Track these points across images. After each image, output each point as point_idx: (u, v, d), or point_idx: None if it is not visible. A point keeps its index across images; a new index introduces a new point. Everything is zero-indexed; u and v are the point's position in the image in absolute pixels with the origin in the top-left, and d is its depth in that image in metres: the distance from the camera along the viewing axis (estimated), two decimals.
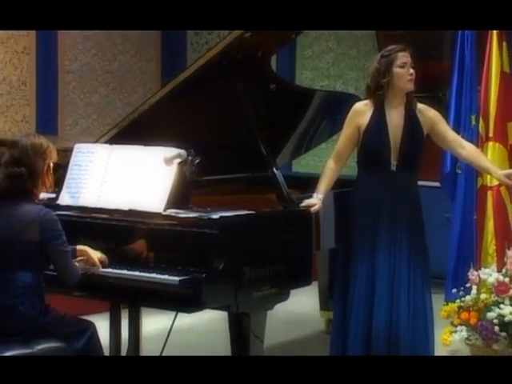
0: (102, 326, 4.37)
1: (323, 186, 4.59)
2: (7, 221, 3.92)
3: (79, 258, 4.12)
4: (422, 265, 4.64)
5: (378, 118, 4.56)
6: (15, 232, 3.89)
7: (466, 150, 4.79)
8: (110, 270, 4.16)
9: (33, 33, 8.55)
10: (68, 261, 3.97)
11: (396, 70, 4.52)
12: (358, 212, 4.62)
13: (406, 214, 4.60)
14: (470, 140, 6.14)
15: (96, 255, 4.15)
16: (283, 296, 4.39)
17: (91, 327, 4.13)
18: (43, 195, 4.56)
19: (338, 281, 4.69)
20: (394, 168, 4.57)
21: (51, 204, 4.47)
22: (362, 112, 4.60)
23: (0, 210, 3.96)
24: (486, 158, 5.10)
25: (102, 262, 4.16)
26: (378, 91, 4.56)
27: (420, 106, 4.66)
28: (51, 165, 4.04)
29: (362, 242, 4.57)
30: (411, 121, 4.59)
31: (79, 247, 4.15)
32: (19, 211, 3.92)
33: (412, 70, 4.55)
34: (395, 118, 4.57)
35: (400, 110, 4.59)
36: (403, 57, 4.55)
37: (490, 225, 6.17)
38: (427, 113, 4.67)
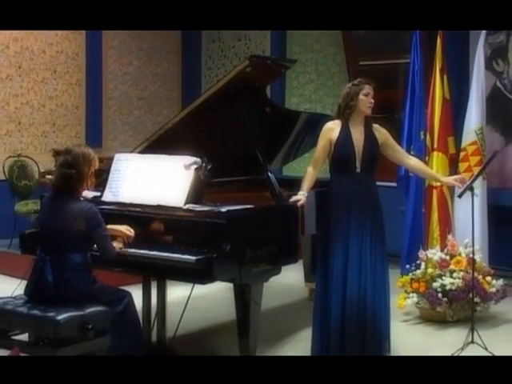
0: (136, 294, 4.33)
1: (306, 186, 4.58)
2: (60, 215, 3.91)
3: (116, 242, 4.10)
4: (381, 244, 4.65)
5: (345, 134, 4.56)
6: (67, 223, 3.88)
7: (413, 160, 4.86)
8: (142, 251, 4.13)
9: (83, 69, 8.55)
10: (108, 242, 3.97)
11: (361, 97, 4.54)
12: (334, 206, 4.61)
13: (369, 205, 4.61)
14: (419, 150, 6.18)
15: (122, 228, 4.14)
16: (276, 271, 4.35)
17: (128, 295, 4.12)
18: (91, 193, 4.55)
19: (320, 258, 4.68)
20: (359, 170, 4.57)
21: (97, 200, 4.46)
22: (331, 129, 4.60)
23: (54, 207, 3.97)
24: (430, 169, 5.09)
25: (129, 231, 4.15)
26: (346, 110, 4.56)
27: (375, 125, 4.69)
28: (93, 170, 4.02)
29: (338, 229, 4.56)
30: (369, 135, 4.59)
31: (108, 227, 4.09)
32: (69, 207, 3.90)
33: (372, 100, 4.58)
34: (357, 134, 4.57)
35: (361, 128, 4.59)
36: (368, 88, 4.57)
37: (434, 216, 6.18)
38: (381, 130, 4.68)
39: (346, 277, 4.53)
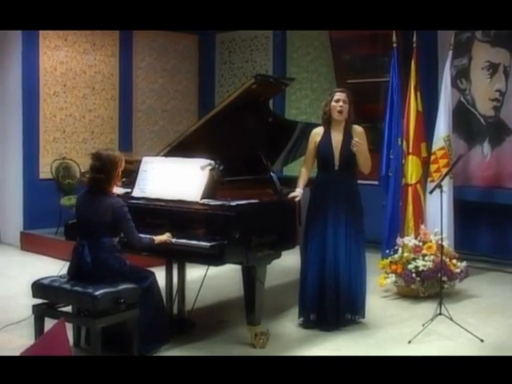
0: (160, 274, 4.32)
1: (301, 183, 4.58)
2: (94, 208, 3.91)
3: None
4: (357, 230, 4.62)
5: (326, 137, 4.57)
6: (100, 215, 3.89)
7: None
8: None
9: (117, 86, 8.54)
10: (132, 231, 3.93)
11: (332, 103, 4.53)
12: (315, 197, 4.62)
13: (346, 198, 4.58)
14: (397, 153, 6.15)
15: (164, 237, 4.06)
16: (277, 255, 4.32)
17: (152, 274, 4.12)
18: (123, 190, 4.53)
19: (303, 241, 4.69)
20: (337, 168, 4.57)
21: (128, 196, 4.44)
22: (317, 134, 4.62)
23: (89, 201, 3.97)
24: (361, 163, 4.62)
25: (169, 237, 4.08)
26: (324, 116, 4.58)
27: (354, 126, 4.63)
28: (120, 172, 4.02)
29: (317, 216, 4.57)
30: (347, 138, 4.55)
31: (156, 238, 4.04)
32: (101, 202, 3.91)
33: (341, 104, 4.50)
34: (337, 137, 4.56)
35: (340, 132, 4.57)
36: (338, 95, 4.55)
37: (410, 209, 6.15)
38: (357, 129, 4.62)
39: (323, 255, 4.55)
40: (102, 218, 3.87)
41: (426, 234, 5.63)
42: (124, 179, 4.80)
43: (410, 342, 4.34)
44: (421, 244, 5.58)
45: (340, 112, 4.51)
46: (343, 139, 4.55)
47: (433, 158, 6.20)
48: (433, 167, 6.16)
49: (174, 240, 4.06)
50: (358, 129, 4.63)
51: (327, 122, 4.59)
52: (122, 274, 3.92)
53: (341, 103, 4.50)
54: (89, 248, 3.89)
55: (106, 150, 4.12)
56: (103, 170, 3.91)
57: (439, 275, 5.04)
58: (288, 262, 5.01)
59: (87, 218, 3.93)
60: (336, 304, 4.58)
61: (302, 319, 4.70)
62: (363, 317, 4.74)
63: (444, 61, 6.42)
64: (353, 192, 4.63)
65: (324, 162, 4.59)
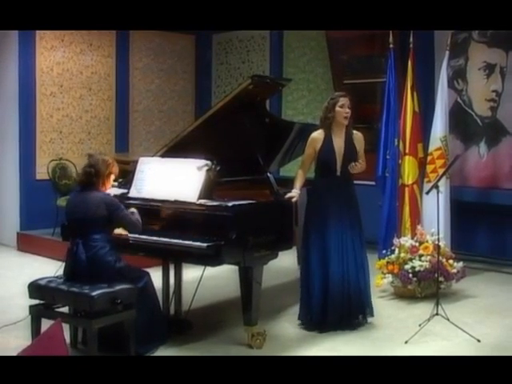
0: (156, 275, 4.32)
1: (298, 185, 4.57)
2: (86, 204, 3.96)
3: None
4: (359, 234, 4.65)
5: (328, 143, 4.55)
6: (92, 210, 3.94)
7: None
8: (162, 238, 4.11)
9: (113, 87, 8.53)
10: (130, 218, 4.04)
11: (337, 108, 4.52)
12: (316, 203, 4.61)
13: (347, 203, 4.60)
14: (394, 154, 6.16)
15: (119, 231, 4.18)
16: (274, 256, 4.33)
17: (147, 274, 4.14)
18: (119, 190, 4.53)
19: (303, 245, 4.68)
20: (339, 174, 4.56)
21: (125, 196, 4.44)
22: (317, 140, 4.59)
23: (80, 199, 4.01)
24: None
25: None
26: (326, 121, 4.55)
27: (354, 132, 4.65)
28: (111, 175, 4.09)
29: (319, 222, 4.56)
30: (349, 144, 4.57)
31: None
32: (91, 197, 3.97)
33: (348, 110, 4.53)
34: (338, 142, 4.56)
35: (341, 137, 4.56)
36: (343, 100, 4.54)
37: (406, 209, 6.16)
38: (357, 135, 4.65)
39: (325, 260, 4.54)
40: (95, 214, 3.92)
41: (422, 235, 5.64)
42: (121, 180, 4.82)
43: (406, 342, 4.34)
44: (417, 244, 5.59)
45: (346, 118, 4.53)
46: (345, 145, 4.56)
47: (429, 158, 6.21)
48: (429, 168, 6.18)
49: (170, 240, 4.06)
50: (357, 134, 4.64)
51: (329, 127, 4.58)
52: (117, 272, 3.93)
53: (347, 109, 4.52)
54: (83, 246, 3.90)
55: (100, 153, 4.21)
56: (94, 165, 4.01)
57: (436, 275, 5.05)
58: (284, 263, 5.01)
59: (79, 216, 3.96)
60: (347, 307, 4.58)
61: (301, 321, 4.69)
62: (372, 315, 4.76)
63: (440, 61, 6.43)
64: (352, 194, 4.66)
65: (326, 167, 4.58)
